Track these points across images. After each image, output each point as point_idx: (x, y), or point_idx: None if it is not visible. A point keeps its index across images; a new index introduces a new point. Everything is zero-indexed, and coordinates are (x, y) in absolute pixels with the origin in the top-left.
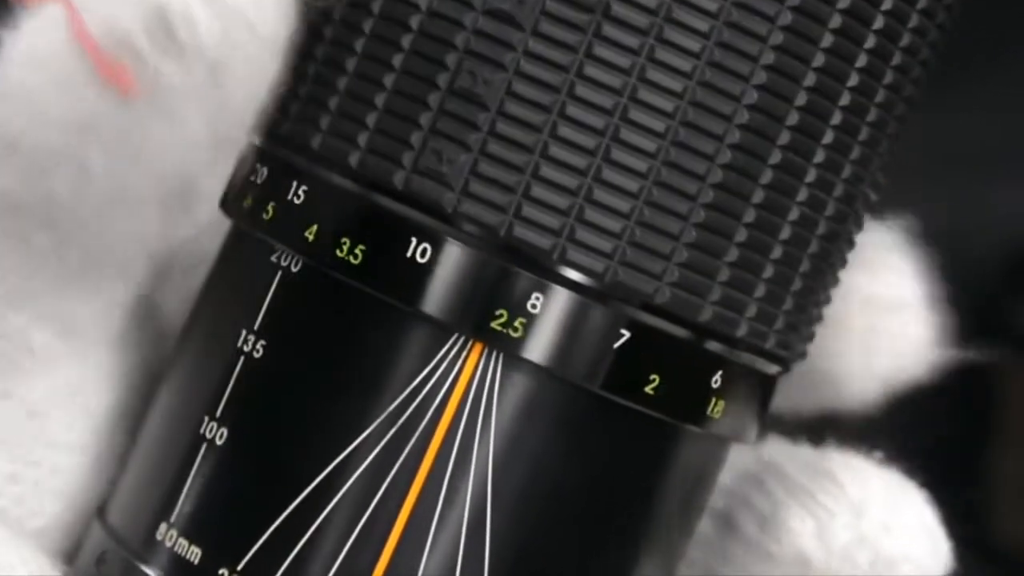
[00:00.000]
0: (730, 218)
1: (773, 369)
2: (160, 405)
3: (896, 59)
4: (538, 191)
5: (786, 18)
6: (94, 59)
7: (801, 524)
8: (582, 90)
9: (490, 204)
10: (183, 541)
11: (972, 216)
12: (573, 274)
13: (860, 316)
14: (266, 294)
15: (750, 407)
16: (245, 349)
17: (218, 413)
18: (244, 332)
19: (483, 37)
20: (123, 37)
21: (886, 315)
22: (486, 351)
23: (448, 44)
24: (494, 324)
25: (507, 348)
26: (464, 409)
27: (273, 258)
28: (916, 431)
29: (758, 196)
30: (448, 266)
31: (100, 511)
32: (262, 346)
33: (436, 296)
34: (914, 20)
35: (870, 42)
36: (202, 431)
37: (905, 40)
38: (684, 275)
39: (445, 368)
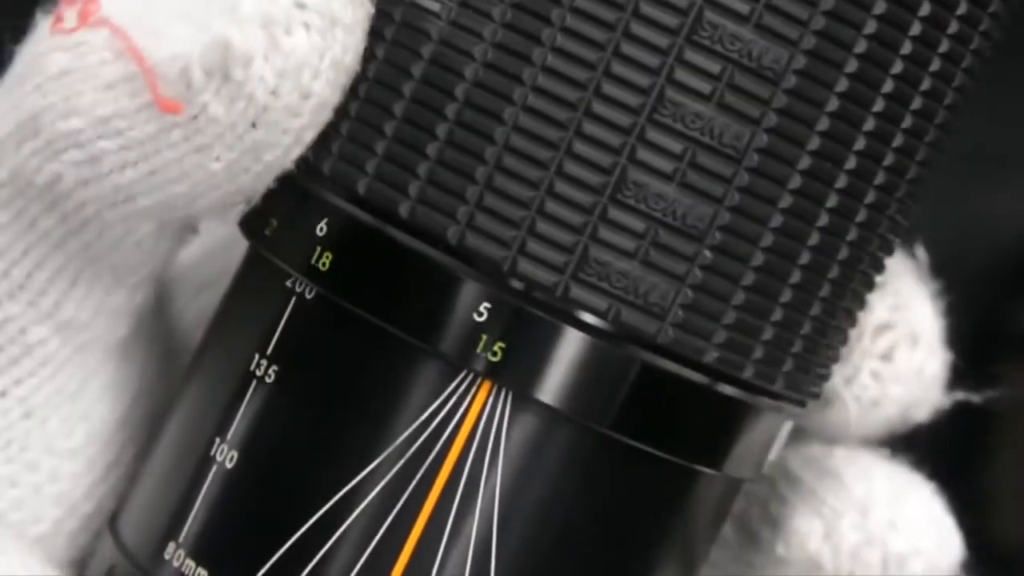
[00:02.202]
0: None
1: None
2: (173, 422)
3: (916, 103)
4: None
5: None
6: (147, 78)
7: (808, 526)
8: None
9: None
10: (190, 562)
11: (972, 219)
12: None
13: (875, 344)
14: (280, 319)
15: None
16: (257, 373)
17: (228, 435)
18: (257, 356)
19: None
20: (182, 65)
21: (902, 348)
22: (495, 389)
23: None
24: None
25: (514, 386)
26: (472, 445)
27: (288, 283)
28: (917, 430)
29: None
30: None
31: (112, 523)
32: (274, 371)
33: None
34: (945, 44)
35: (888, 86)
36: (212, 452)
37: (935, 66)
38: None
39: (454, 403)
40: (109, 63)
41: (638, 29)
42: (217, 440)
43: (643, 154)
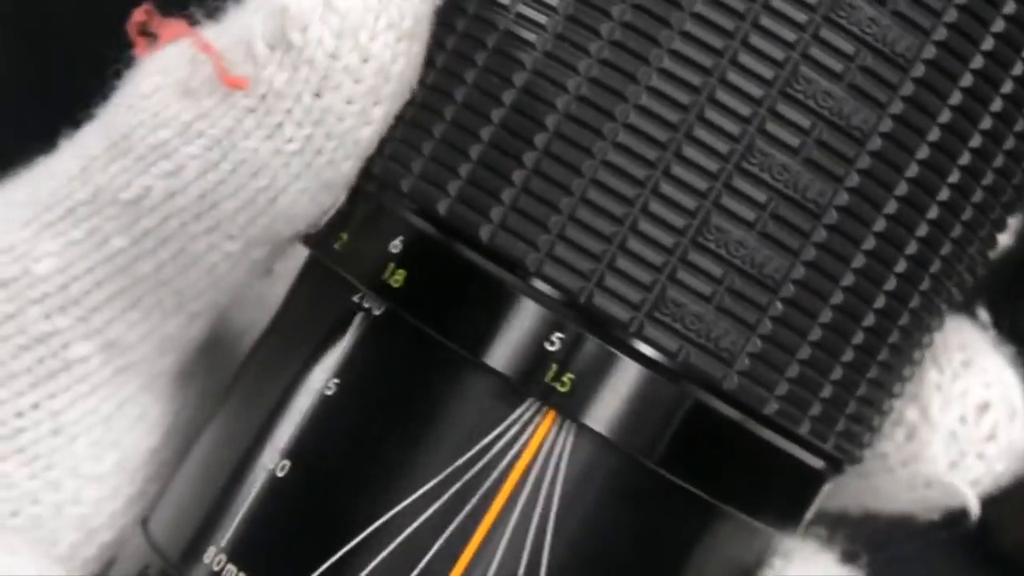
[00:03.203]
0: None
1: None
2: (219, 426)
3: (988, 178)
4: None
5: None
6: (214, 62)
7: None
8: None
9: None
10: (231, 567)
11: None
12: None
13: (979, 427)
14: (344, 334)
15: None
16: (317, 385)
17: (282, 445)
18: (317, 368)
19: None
20: (247, 42)
21: (1003, 425)
22: (559, 419)
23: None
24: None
25: (578, 417)
26: (531, 472)
27: (355, 298)
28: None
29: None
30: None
31: (144, 524)
32: (335, 384)
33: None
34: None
35: (965, 158)
36: (263, 461)
37: (1008, 144)
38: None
39: (517, 430)
40: (188, 69)
41: (734, 77)
42: (268, 448)
43: (727, 200)
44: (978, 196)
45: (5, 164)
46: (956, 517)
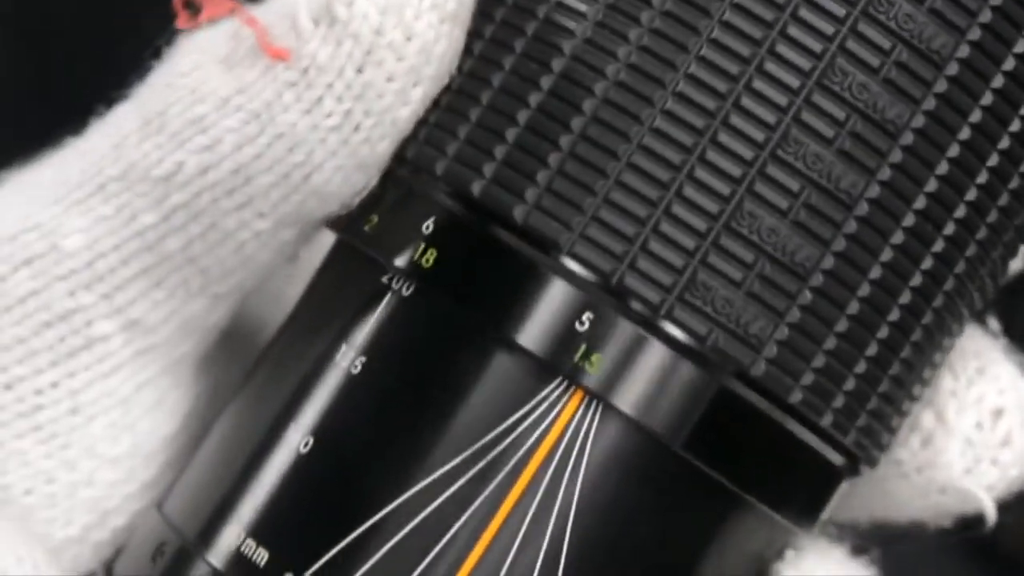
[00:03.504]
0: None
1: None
2: (240, 407)
3: (1015, 182)
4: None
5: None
6: (258, 34)
7: None
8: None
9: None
10: (251, 542)
11: None
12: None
13: (994, 433)
14: (372, 313)
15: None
16: (343, 364)
17: (305, 422)
18: (344, 347)
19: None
20: (291, 15)
21: (1018, 431)
22: (586, 398)
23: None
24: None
25: (605, 397)
26: (557, 450)
27: (384, 279)
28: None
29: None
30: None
31: (159, 506)
32: (361, 363)
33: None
34: None
35: (993, 160)
36: (285, 437)
37: None
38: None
39: (545, 409)
40: (230, 45)
41: (771, 67)
42: (292, 425)
43: (761, 187)
44: (1004, 199)
45: (5, 164)
46: (968, 523)
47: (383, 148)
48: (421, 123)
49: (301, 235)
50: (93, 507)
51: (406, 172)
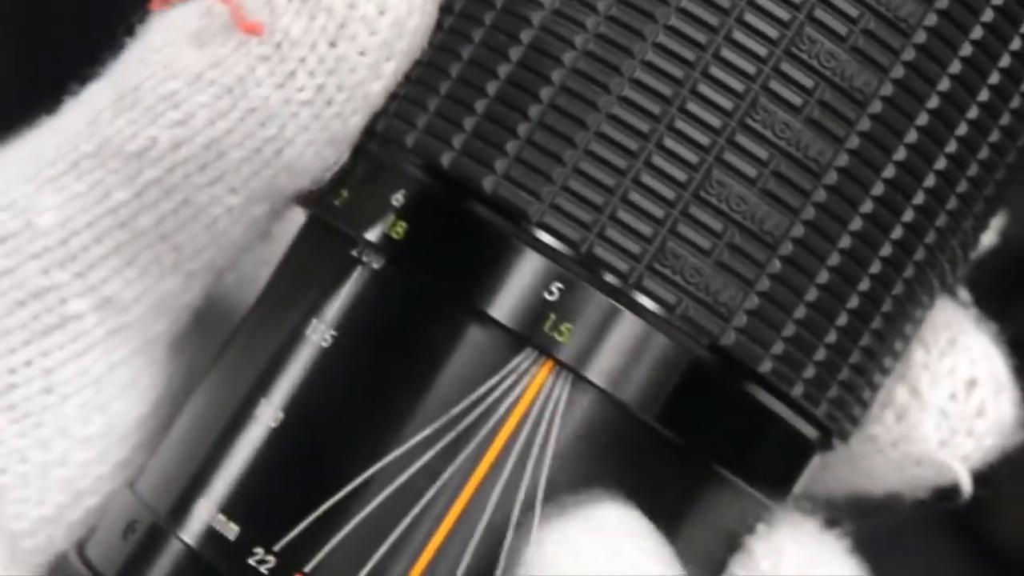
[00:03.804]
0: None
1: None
2: (211, 384)
3: (983, 152)
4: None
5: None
6: (231, 8)
7: None
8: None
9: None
10: (221, 516)
11: None
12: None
13: (968, 403)
14: (342, 286)
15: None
16: (313, 337)
17: (275, 396)
18: (314, 321)
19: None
20: None
21: (991, 400)
22: (556, 368)
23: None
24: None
25: (575, 367)
26: (527, 420)
27: (354, 252)
28: (944, 507)
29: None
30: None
31: (129, 481)
32: (331, 336)
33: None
34: (1018, 100)
35: (964, 125)
36: (256, 412)
37: (1004, 120)
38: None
39: (514, 379)
40: (202, 21)
41: (739, 35)
42: (262, 400)
43: (730, 156)
44: (974, 169)
45: None
46: (944, 494)
47: (355, 122)
48: (391, 96)
49: (273, 211)
50: (66, 487)
51: (376, 145)
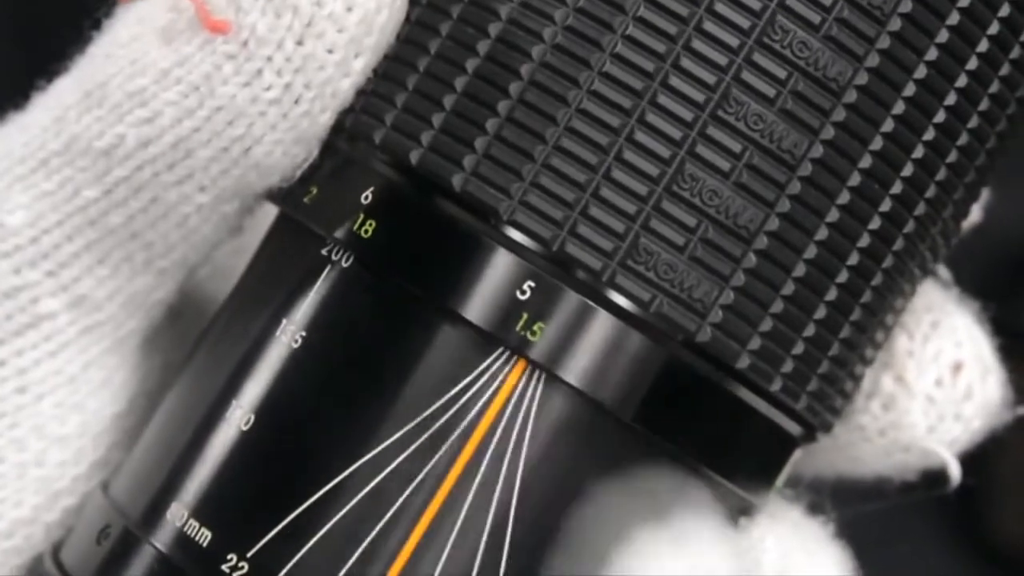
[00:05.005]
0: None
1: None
2: (182, 387)
3: (963, 139)
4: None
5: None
6: (197, 7)
7: None
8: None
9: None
10: (193, 522)
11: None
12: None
13: (955, 388)
14: (311, 286)
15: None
16: (283, 339)
17: (246, 398)
18: (284, 321)
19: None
20: None
21: (978, 383)
22: (528, 368)
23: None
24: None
25: (549, 366)
26: (500, 421)
27: (323, 251)
28: (934, 494)
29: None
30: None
31: (104, 487)
32: (301, 337)
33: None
34: (995, 84)
35: (940, 116)
36: (226, 414)
37: (982, 106)
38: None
39: (487, 380)
40: (169, 16)
41: (710, 26)
42: (233, 402)
43: (702, 149)
44: (952, 157)
45: None
46: (933, 479)
47: (324, 120)
48: (360, 92)
49: (243, 208)
50: (43, 488)
51: (344, 142)
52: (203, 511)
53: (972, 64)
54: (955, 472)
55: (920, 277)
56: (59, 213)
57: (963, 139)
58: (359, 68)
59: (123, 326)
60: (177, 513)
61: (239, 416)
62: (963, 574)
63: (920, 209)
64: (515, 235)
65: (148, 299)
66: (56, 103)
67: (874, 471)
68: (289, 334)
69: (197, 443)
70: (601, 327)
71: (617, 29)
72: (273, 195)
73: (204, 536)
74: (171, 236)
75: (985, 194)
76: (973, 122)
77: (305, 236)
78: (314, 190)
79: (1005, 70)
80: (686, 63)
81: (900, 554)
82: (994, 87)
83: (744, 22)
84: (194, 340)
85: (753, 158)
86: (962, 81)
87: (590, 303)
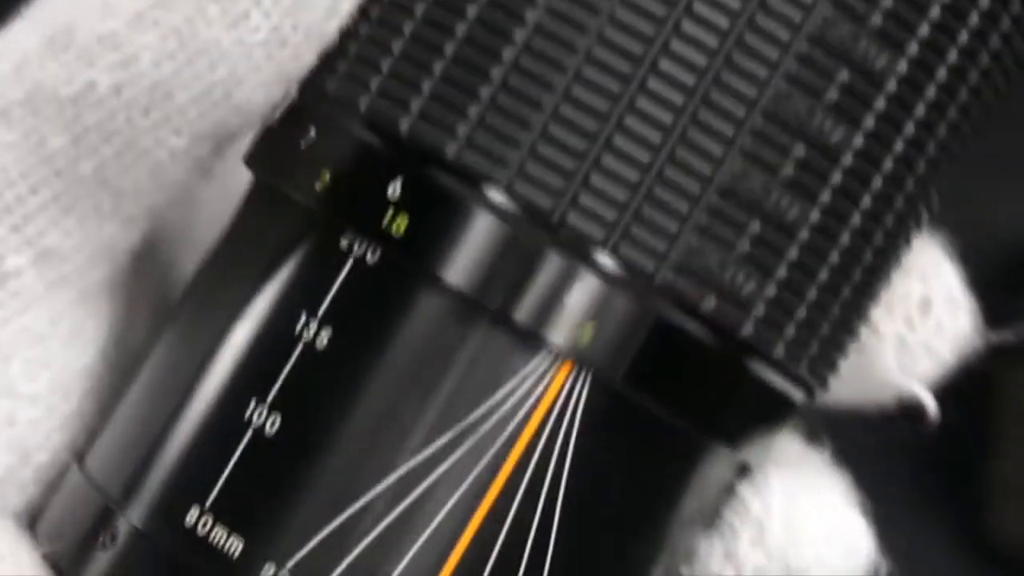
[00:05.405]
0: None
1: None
2: (178, 369)
3: (972, 79)
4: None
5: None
6: None
7: (708, 547)
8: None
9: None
10: (220, 529)
11: (972, 215)
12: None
13: (924, 324)
14: (333, 281)
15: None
16: (306, 336)
17: (269, 399)
18: (304, 317)
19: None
20: None
21: (946, 317)
22: (575, 369)
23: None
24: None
25: (595, 368)
26: (546, 426)
27: (344, 243)
28: (916, 431)
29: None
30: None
31: (79, 456)
32: (327, 335)
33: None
34: (985, 58)
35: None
36: (248, 416)
37: (972, 80)
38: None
39: (532, 383)
40: None
41: None
42: (254, 402)
43: (705, 115)
44: (953, 114)
45: None
46: (913, 414)
47: (307, 59)
48: (343, 56)
49: (216, 149)
50: (15, 447)
51: (356, 126)
52: (231, 518)
53: (963, 38)
54: (932, 406)
55: (917, 230)
56: (23, 164)
57: (964, 96)
58: (346, 9)
59: (89, 276)
60: (199, 519)
61: (262, 418)
62: (963, 574)
63: (921, 168)
64: (562, 236)
65: (114, 248)
66: (14, 49)
67: (851, 406)
68: (311, 331)
69: (216, 445)
70: (649, 328)
71: None
72: (273, 172)
73: (235, 546)
74: (142, 183)
75: (984, 194)
76: (980, 65)
77: (314, 223)
78: (326, 175)
79: (995, 42)
80: (687, 26)
81: (900, 554)
82: (984, 59)
83: None
84: (164, 283)
85: (757, 123)
86: (953, 57)
87: (641, 306)
